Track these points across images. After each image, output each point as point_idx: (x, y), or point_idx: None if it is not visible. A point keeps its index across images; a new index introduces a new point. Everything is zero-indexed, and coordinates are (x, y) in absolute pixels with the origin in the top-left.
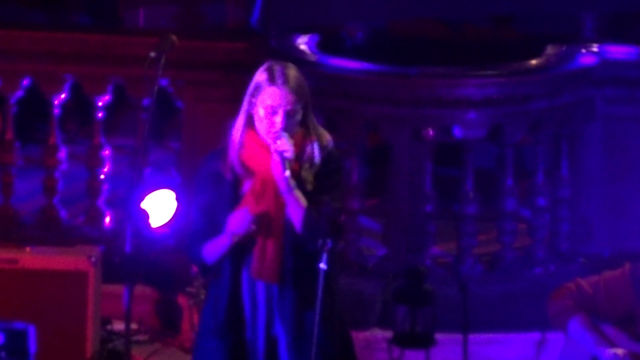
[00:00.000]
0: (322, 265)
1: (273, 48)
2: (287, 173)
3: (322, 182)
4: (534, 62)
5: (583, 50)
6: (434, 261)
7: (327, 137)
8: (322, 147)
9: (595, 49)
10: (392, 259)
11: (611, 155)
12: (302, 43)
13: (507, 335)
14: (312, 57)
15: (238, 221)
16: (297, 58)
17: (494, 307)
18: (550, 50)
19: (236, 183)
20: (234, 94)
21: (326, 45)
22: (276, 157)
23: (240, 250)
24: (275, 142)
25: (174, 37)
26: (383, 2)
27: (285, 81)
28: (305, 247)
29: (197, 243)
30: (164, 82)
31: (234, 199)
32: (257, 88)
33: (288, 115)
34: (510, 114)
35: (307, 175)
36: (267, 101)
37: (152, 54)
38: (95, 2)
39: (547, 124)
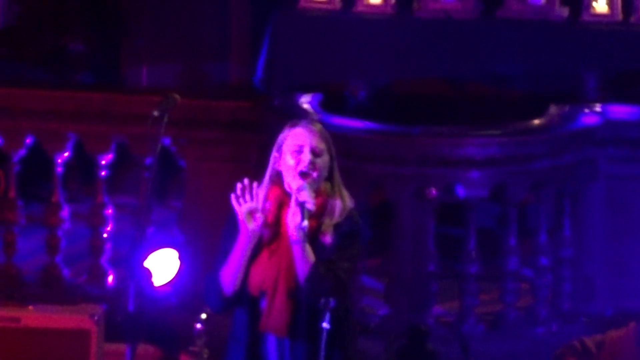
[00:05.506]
0: (325, 325)
1: (276, 107)
2: (305, 223)
3: (338, 241)
4: (536, 121)
5: (586, 110)
6: (436, 320)
7: (349, 197)
8: (344, 207)
9: (598, 108)
10: (395, 318)
11: (613, 215)
12: (305, 102)
13: None
14: (315, 116)
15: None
16: (300, 117)
17: None
18: (553, 109)
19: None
20: (237, 152)
21: (329, 104)
22: (295, 206)
23: (257, 304)
24: (298, 192)
25: (176, 96)
26: (385, 61)
27: (310, 123)
28: (308, 302)
29: (214, 280)
30: (166, 140)
31: (253, 250)
32: (281, 140)
33: (314, 155)
34: (512, 173)
35: (326, 230)
36: (291, 141)
37: (155, 113)
38: (98, 60)
39: (549, 184)
